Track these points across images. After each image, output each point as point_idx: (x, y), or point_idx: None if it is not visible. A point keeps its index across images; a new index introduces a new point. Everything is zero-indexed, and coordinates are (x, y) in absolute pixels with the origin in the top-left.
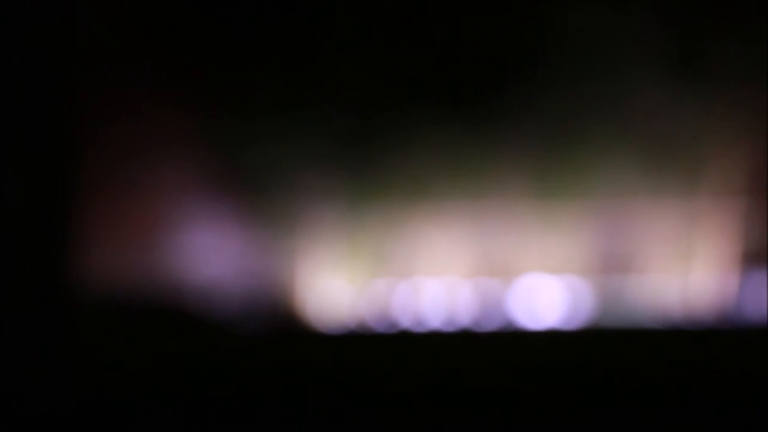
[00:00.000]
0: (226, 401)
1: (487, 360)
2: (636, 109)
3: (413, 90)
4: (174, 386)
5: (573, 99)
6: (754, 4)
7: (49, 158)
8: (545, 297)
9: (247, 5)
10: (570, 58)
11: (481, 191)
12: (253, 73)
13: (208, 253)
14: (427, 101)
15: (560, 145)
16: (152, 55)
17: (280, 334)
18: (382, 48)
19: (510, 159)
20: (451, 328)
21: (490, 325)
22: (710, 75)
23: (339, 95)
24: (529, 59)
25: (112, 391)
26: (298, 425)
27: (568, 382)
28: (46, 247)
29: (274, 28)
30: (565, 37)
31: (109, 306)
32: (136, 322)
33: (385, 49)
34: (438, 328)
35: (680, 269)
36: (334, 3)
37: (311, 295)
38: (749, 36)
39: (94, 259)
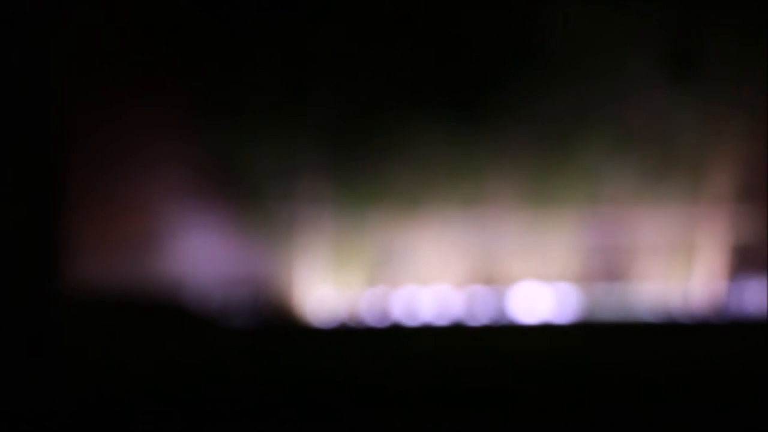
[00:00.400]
0: (223, 398)
1: (480, 354)
2: (633, 115)
3: (408, 98)
4: (171, 384)
5: (570, 105)
6: (754, 5)
7: (45, 162)
8: (540, 305)
9: (243, 11)
10: (566, 66)
11: (476, 198)
12: (249, 79)
13: (204, 256)
14: (421, 110)
15: (556, 152)
16: (148, 60)
17: (274, 331)
18: (377, 57)
19: (505, 166)
20: (443, 322)
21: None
22: (708, 80)
23: (333, 104)
24: (526, 65)
25: (110, 390)
26: (294, 420)
27: (560, 376)
28: (42, 250)
29: (270, 33)
30: (561, 44)
31: (107, 306)
32: (134, 322)
33: (381, 59)
34: (430, 323)
35: (677, 274)
36: (330, 10)
37: (305, 299)
38: (748, 40)
39: (92, 261)
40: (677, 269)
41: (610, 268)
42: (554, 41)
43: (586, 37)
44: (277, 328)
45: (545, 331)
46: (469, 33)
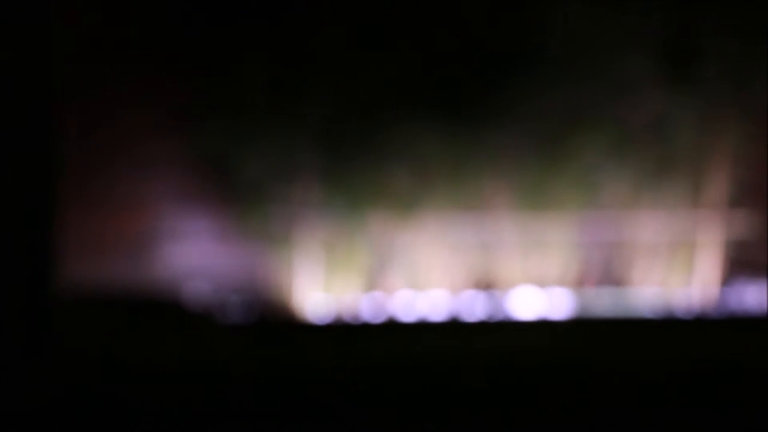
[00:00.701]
0: (221, 397)
1: (479, 354)
2: (632, 115)
3: (405, 100)
4: (170, 383)
5: (569, 106)
6: (754, 5)
7: (43, 162)
8: (537, 308)
9: (241, 11)
10: (565, 66)
11: (473, 201)
12: (246, 80)
13: (201, 257)
14: (418, 111)
15: (554, 153)
16: (144, 61)
17: (270, 331)
18: (374, 58)
19: (503, 168)
20: (438, 318)
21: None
22: (708, 80)
23: (331, 105)
24: (525, 65)
25: (109, 390)
26: (292, 419)
27: (559, 374)
28: (40, 250)
29: (268, 33)
30: (561, 44)
31: (106, 306)
32: (133, 322)
33: (378, 59)
34: (425, 319)
35: (677, 276)
36: (328, 10)
37: (302, 302)
38: (748, 40)
39: (90, 261)
40: (676, 271)
41: (608, 271)
42: (554, 41)
43: (586, 37)
44: (273, 328)
45: (543, 329)
46: (467, 33)
